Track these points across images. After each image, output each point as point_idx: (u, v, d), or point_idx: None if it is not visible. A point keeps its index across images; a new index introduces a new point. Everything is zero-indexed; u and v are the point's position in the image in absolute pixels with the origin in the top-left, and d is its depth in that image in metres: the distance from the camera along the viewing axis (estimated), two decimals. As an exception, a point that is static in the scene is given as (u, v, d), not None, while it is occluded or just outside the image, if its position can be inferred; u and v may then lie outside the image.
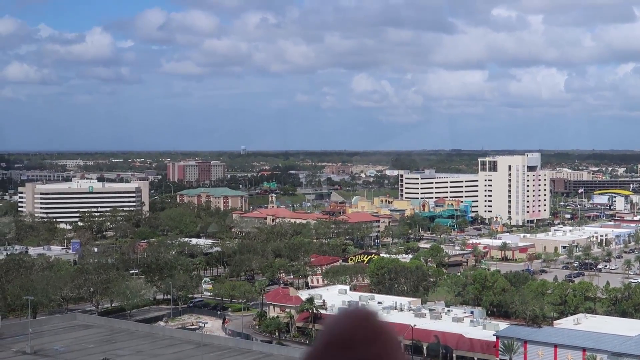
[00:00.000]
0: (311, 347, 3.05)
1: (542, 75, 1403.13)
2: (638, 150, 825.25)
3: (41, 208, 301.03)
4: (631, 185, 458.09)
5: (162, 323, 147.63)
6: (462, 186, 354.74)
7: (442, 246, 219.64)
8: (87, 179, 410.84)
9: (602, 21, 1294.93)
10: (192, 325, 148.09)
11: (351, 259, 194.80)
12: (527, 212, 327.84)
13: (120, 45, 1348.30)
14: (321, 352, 2.96)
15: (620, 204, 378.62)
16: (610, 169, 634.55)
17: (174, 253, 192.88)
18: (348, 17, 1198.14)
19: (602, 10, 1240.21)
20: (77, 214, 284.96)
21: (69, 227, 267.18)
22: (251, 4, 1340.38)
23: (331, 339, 2.99)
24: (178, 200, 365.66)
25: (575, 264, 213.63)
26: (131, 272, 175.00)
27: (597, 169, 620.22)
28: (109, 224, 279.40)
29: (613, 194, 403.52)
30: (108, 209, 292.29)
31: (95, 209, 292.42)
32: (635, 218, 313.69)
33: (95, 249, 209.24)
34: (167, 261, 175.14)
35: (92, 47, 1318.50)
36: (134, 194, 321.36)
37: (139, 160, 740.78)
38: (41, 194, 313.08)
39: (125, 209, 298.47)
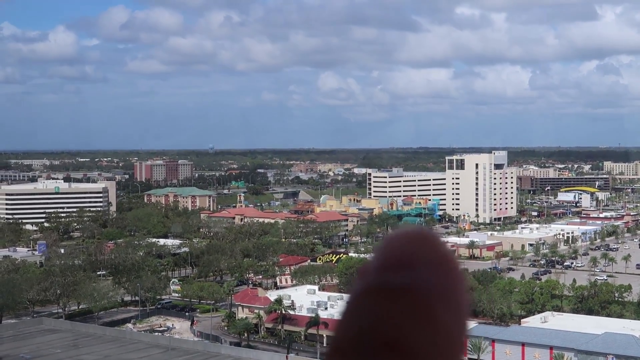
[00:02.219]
0: (367, 264, 2.64)
1: (507, 73, 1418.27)
2: (603, 147, 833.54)
3: (6, 209, 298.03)
4: (597, 183, 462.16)
5: (130, 325, 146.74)
6: (429, 184, 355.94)
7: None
8: (53, 179, 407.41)
9: (564, 19, 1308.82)
10: (160, 326, 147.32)
11: (320, 259, 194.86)
12: (494, 210, 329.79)
13: (84, 43, 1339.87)
14: (377, 270, 2.57)
15: (586, 201, 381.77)
16: (576, 166, 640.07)
17: (141, 254, 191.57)
18: (312, 15, 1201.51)
19: (564, 9, 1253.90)
20: (43, 215, 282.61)
21: (35, 228, 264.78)
22: (215, 2, 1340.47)
23: (389, 257, 2.60)
24: (145, 200, 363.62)
25: (542, 262, 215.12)
26: (98, 273, 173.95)
27: (563, 166, 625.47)
28: (75, 224, 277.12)
29: (579, 191, 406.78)
30: (75, 210, 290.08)
31: (61, 210, 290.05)
32: (600, 215, 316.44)
33: (62, 251, 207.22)
34: (135, 262, 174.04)
35: (55, 45, 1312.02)
36: (100, 194, 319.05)
37: (105, 159, 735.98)
38: (6, 194, 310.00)
39: (92, 209, 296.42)
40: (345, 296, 2.75)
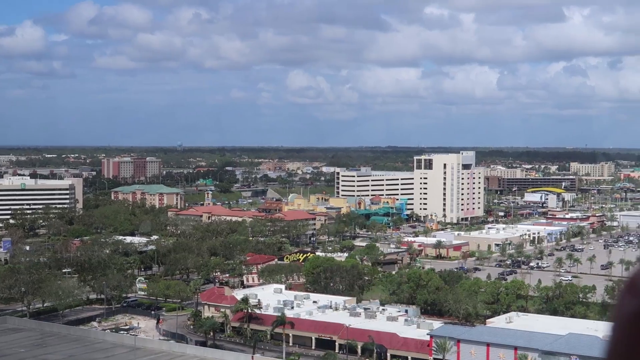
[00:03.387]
0: (636, 274, 2.42)
1: (475, 73, 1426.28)
2: (570, 148, 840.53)
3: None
4: (563, 183, 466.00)
5: (95, 323, 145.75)
6: (397, 184, 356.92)
7: (377, 244, 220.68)
8: (20, 175, 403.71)
9: (532, 21, 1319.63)
10: (126, 325, 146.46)
11: (287, 258, 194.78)
12: (462, 210, 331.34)
13: (52, 39, 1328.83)
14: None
15: (552, 202, 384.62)
16: (543, 166, 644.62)
17: (107, 252, 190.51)
18: (281, 13, 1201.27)
19: (532, 10, 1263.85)
20: (9, 212, 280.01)
21: (0, 224, 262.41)
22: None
23: None
24: (113, 198, 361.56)
25: (508, 262, 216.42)
26: (64, 271, 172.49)
27: (530, 166, 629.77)
28: (41, 221, 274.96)
29: (546, 192, 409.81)
30: (41, 206, 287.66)
31: (27, 206, 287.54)
32: (566, 216, 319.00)
33: (27, 248, 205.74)
34: (101, 260, 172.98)
35: (22, 40, 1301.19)
36: (67, 191, 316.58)
37: (73, 155, 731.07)
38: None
39: (58, 206, 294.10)
40: (613, 313, 2.30)
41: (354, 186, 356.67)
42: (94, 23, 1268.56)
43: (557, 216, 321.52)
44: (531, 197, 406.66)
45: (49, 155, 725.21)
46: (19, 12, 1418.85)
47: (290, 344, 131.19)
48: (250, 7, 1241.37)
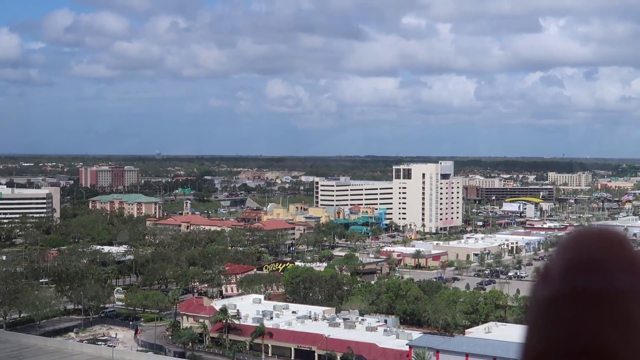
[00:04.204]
0: (548, 265, 2.36)
1: (453, 83, 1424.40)
2: (547, 158, 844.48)
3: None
4: (541, 193, 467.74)
5: (72, 334, 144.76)
6: (376, 193, 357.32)
7: (356, 254, 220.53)
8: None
9: (509, 31, 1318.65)
10: (103, 336, 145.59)
11: (266, 268, 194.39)
12: (441, 219, 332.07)
13: (28, 46, 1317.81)
14: (565, 272, 2.31)
15: (530, 212, 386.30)
16: (521, 176, 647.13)
17: (85, 261, 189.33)
18: (259, 22, 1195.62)
19: (509, 20, 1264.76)
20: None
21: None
22: (161, 8, 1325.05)
23: (577, 258, 2.38)
24: (90, 207, 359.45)
25: (486, 272, 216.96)
26: (41, 281, 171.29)
27: (508, 176, 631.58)
28: (18, 231, 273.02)
29: (524, 202, 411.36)
30: (18, 216, 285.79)
31: (4, 216, 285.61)
32: (544, 225, 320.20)
33: (4, 257, 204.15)
34: (78, 270, 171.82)
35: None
36: (44, 200, 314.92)
37: (50, 164, 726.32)
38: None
39: (35, 215, 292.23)
40: (528, 301, 2.37)
41: (333, 196, 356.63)
42: (71, 31, 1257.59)
43: (535, 226, 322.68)
44: (509, 206, 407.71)
45: (26, 164, 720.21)
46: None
47: (270, 355, 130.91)
48: (228, 15, 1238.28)
